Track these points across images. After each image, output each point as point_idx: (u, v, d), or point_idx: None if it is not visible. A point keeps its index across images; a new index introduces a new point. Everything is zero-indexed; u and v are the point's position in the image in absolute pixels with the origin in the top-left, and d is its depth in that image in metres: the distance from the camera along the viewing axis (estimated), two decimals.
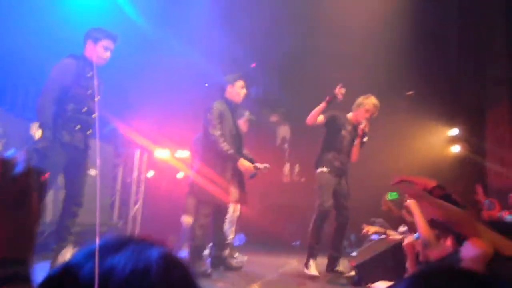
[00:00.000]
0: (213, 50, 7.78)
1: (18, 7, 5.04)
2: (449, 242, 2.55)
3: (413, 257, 3.15)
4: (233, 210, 5.43)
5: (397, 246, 3.94)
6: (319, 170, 4.87)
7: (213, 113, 4.55)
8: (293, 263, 5.72)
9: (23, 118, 5.11)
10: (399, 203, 4.55)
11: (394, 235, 4.69)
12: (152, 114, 7.47)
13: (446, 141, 9.16)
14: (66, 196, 3.85)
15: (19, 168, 0.69)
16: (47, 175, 0.73)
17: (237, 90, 4.74)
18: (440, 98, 8.26)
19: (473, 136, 8.36)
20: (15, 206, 0.67)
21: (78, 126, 3.80)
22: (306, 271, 4.60)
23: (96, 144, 3.80)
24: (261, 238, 7.95)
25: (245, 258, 5.26)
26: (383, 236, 4.89)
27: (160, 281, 0.59)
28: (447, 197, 2.04)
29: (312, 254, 4.63)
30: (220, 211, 4.60)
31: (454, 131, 8.98)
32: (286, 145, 9.28)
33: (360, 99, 4.99)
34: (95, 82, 3.79)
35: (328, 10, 7.15)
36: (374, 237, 5.20)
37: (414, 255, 3.17)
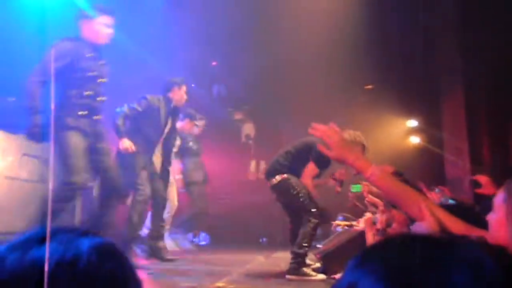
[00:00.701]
0: (174, 52, 7.67)
1: None
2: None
3: (372, 232, 3.19)
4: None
5: (361, 234, 4.00)
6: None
7: (141, 104, 4.73)
8: (259, 259, 5.74)
9: None
10: (362, 196, 4.59)
11: (360, 225, 4.77)
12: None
13: (406, 132, 9.41)
14: (103, 188, 3.59)
15: None
16: None
17: (182, 94, 4.97)
18: (396, 90, 8.47)
19: (431, 127, 8.62)
20: None
21: (84, 112, 3.54)
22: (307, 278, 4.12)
23: (50, 148, 3.65)
24: (227, 236, 7.94)
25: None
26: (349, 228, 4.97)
27: (89, 273, 0.55)
28: (404, 183, 2.12)
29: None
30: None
31: (413, 123, 9.23)
32: (250, 142, 9.29)
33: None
34: (99, 63, 3.57)
35: (286, 6, 7.20)
36: (338, 229, 5.27)
37: (374, 230, 3.22)
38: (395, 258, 0.52)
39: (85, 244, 0.58)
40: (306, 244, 4.14)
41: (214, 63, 8.91)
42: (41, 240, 0.58)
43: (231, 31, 7.70)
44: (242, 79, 8.70)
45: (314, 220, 4.22)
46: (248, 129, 9.53)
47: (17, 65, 5.18)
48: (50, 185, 3.98)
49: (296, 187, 4.29)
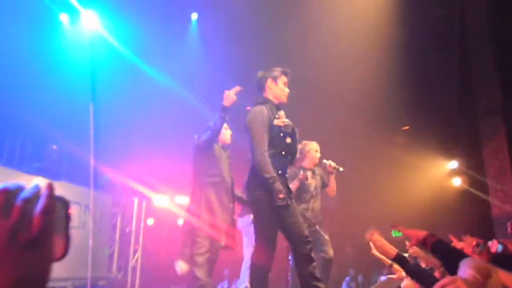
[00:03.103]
0: (205, 87, 7.86)
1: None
2: None
3: None
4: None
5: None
6: None
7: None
8: None
9: (20, 171, 5.10)
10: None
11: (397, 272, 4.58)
12: (148, 160, 7.45)
13: (446, 174, 9.14)
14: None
15: (41, 205, 0.64)
16: (71, 209, 0.69)
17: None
18: (435, 131, 8.31)
19: (472, 169, 8.34)
20: (32, 247, 0.63)
21: (279, 172, 3.60)
22: None
23: (90, 194, 3.75)
24: None
25: None
26: (390, 276, 4.77)
27: None
28: (439, 243, 2.10)
29: None
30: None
31: (453, 164, 8.97)
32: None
33: (303, 147, 4.80)
34: (288, 122, 3.66)
35: (316, 43, 7.28)
36: (383, 278, 5.08)
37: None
38: None
39: None
40: None
41: (248, 108, 9.02)
42: None
43: (254, 58, 7.79)
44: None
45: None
46: None
47: (59, 115, 5.46)
48: (91, 232, 4.05)
49: None
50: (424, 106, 8.23)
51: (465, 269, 1.63)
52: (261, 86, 3.74)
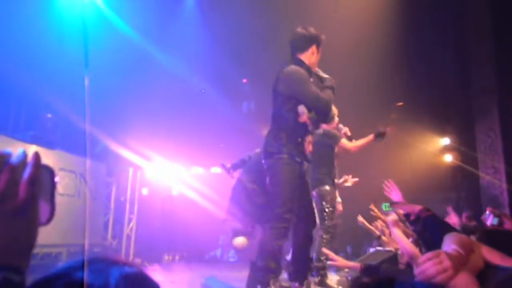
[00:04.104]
0: (204, 66, 7.84)
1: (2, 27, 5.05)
2: None
3: (400, 229, 3.12)
4: None
5: (393, 257, 3.93)
6: (324, 187, 4.53)
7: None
8: None
9: (14, 138, 5.10)
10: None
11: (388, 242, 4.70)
12: (143, 130, 7.47)
13: (438, 150, 9.23)
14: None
15: (28, 173, 0.67)
16: (56, 176, 0.72)
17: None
18: (429, 108, 8.35)
19: (464, 145, 8.43)
20: (19, 213, 0.66)
21: (298, 140, 3.35)
22: None
23: (86, 163, 3.77)
24: None
25: None
26: (379, 248, 4.89)
27: None
28: (433, 218, 2.16)
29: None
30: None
31: (445, 141, 9.05)
32: None
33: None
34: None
35: (315, 21, 7.22)
36: (371, 249, 5.20)
37: (401, 227, 3.17)
38: None
39: (115, 272, 0.63)
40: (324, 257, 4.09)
41: (244, 81, 9.02)
42: (80, 267, 0.63)
43: (262, 46, 7.78)
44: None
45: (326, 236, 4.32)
46: None
47: (54, 84, 5.43)
48: (88, 200, 4.10)
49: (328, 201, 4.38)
50: (419, 83, 8.24)
51: (449, 244, 1.69)
52: (303, 47, 3.42)
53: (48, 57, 5.29)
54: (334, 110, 4.63)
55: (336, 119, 4.70)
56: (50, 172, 0.72)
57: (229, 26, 7.49)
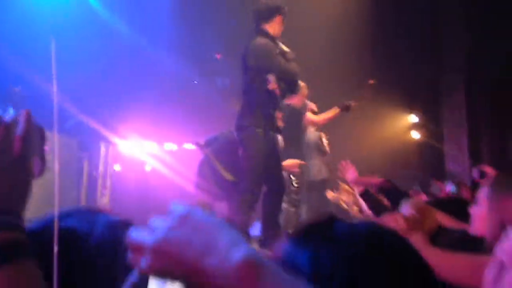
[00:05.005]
0: (177, 42, 7.76)
1: None
2: None
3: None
4: None
5: None
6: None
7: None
8: None
9: None
10: None
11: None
12: (118, 106, 7.40)
13: (407, 127, 9.48)
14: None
15: (20, 129, 0.73)
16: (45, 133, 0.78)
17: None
18: (398, 86, 8.53)
19: (431, 122, 8.69)
20: (15, 167, 0.72)
21: (275, 110, 3.49)
22: None
23: (54, 136, 3.73)
24: None
25: None
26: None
27: (100, 243, 0.68)
28: (394, 189, 2.33)
29: None
30: None
31: (414, 118, 9.30)
32: None
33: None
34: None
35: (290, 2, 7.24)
36: None
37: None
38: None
39: (101, 220, 0.71)
40: None
41: (218, 56, 8.98)
42: (67, 214, 0.71)
43: (236, 23, 7.75)
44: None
45: None
46: None
47: (23, 56, 5.31)
48: (56, 176, 4.07)
49: None
50: (391, 61, 8.38)
51: (406, 208, 1.82)
52: (267, 17, 3.48)
53: (14, 28, 5.16)
54: (302, 84, 4.74)
55: (305, 91, 4.81)
56: (40, 130, 0.78)
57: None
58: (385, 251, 0.60)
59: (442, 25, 8.25)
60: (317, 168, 5.03)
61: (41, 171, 0.78)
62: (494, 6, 7.08)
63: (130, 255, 0.54)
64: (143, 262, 0.51)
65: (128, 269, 0.69)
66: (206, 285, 0.48)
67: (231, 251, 0.48)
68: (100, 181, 7.66)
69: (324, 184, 5.00)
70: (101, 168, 7.71)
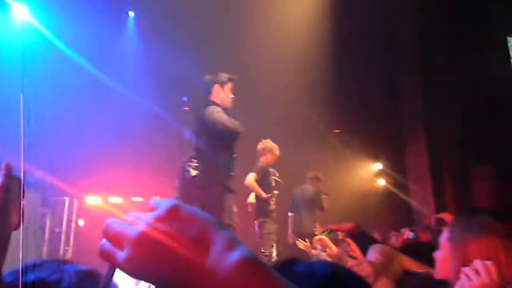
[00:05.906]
0: (146, 92, 7.81)
1: None
2: None
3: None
4: None
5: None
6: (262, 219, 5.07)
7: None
8: None
9: None
10: (335, 237, 4.70)
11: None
12: (82, 160, 7.27)
13: (372, 175, 9.68)
14: None
15: (0, 181, 0.72)
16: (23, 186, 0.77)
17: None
18: (363, 135, 8.77)
19: (395, 170, 8.91)
20: None
21: (232, 172, 3.85)
22: None
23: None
24: None
25: None
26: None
27: None
28: (363, 234, 2.36)
29: None
30: None
31: (378, 166, 9.52)
32: None
33: (267, 145, 5.20)
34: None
35: (251, 44, 7.46)
36: None
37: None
38: None
39: (69, 269, 0.71)
40: None
41: (186, 108, 9.04)
42: (35, 266, 0.70)
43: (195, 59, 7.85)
44: None
45: None
46: None
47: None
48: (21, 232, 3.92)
49: None
50: (355, 110, 8.67)
51: (372, 253, 1.85)
52: (207, 90, 3.95)
53: None
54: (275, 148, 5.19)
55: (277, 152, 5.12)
56: (19, 182, 0.78)
57: (170, 54, 7.58)
58: None
59: (401, 76, 8.66)
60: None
61: (18, 224, 0.78)
62: (449, 55, 7.48)
63: (104, 247, 0.49)
64: (121, 255, 0.46)
65: None
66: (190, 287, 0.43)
67: (227, 250, 0.44)
68: (63, 237, 7.35)
69: None
70: (64, 224, 7.43)
